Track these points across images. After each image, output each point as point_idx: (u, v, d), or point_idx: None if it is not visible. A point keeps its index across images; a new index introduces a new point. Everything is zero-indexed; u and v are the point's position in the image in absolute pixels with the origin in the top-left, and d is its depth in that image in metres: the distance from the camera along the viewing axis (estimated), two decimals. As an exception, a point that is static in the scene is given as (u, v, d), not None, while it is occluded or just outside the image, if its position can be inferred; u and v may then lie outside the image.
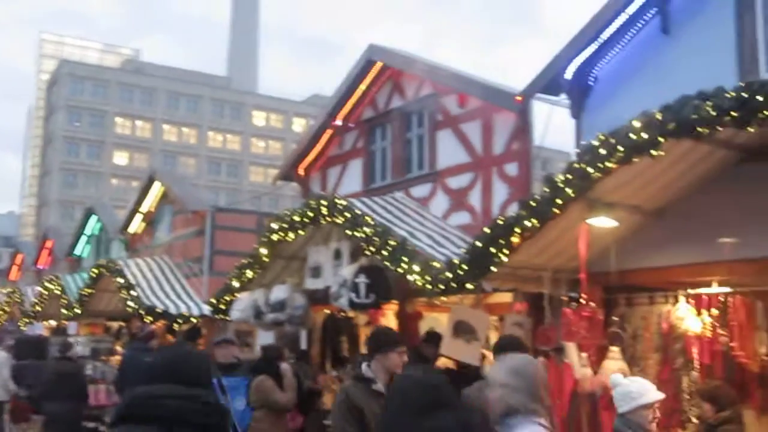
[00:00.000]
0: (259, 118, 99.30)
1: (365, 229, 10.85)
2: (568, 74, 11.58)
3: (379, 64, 15.70)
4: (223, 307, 13.99)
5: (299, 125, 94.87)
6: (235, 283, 13.48)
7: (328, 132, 17.00)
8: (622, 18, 11.06)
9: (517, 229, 8.37)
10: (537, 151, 12.78)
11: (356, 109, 16.43)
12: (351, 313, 13.00)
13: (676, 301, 8.94)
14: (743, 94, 6.70)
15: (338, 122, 16.65)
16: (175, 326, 16.97)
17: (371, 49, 15.82)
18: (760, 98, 6.56)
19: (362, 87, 16.09)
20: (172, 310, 17.32)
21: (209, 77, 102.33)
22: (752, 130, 6.85)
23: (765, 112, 6.59)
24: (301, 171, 17.78)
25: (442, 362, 10.30)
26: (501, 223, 8.57)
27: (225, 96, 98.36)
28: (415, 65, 14.95)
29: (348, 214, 11.20)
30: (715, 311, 8.71)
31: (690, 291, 8.85)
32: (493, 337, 10.76)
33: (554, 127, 12.55)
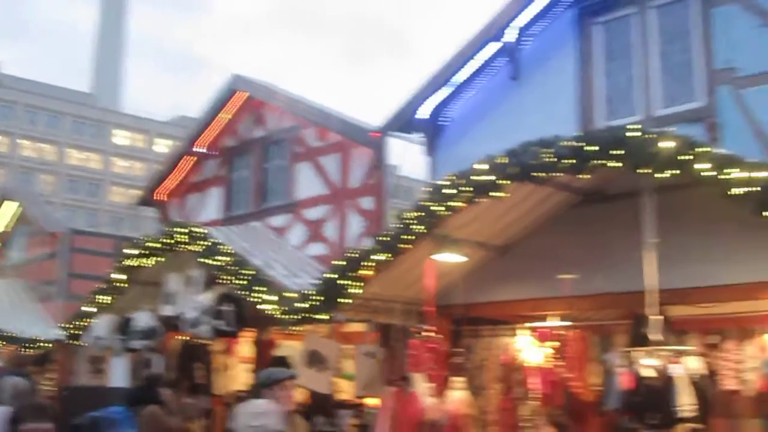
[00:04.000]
0: (121, 137, 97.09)
1: (221, 257, 10.95)
2: (423, 114, 12.04)
3: (241, 94, 15.84)
4: (77, 332, 13.74)
5: (163, 146, 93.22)
6: (90, 308, 13.29)
7: (190, 158, 16.99)
8: (474, 64, 11.62)
9: (369, 262, 8.68)
10: (398, 181, 13.18)
11: (218, 136, 16.49)
12: (207, 341, 13.00)
13: (518, 333, 9.42)
14: (578, 143, 7.24)
15: (199, 149, 16.66)
16: (25, 350, 16.49)
17: (235, 78, 15.94)
18: (591, 148, 7.11)
19: (224, 116, 16.17)
20: (24, 333, 16.83)
21: (71, 92, 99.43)
22: (585, 177, 7.40)
23: (596, 160, 7.13)
24: (161, 195, 17.66)
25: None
26: (353, 255, 8.87)
27: (86, 113, 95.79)
28: (276, 97, 15.16)
29: (205, 243, 11.28)
30: (553, 343, 9.22)
31: (531, 324, 9.35)
32: (347, 366, 11.04)
33: (411, 162, 13.00)
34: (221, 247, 11.13)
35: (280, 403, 6.49)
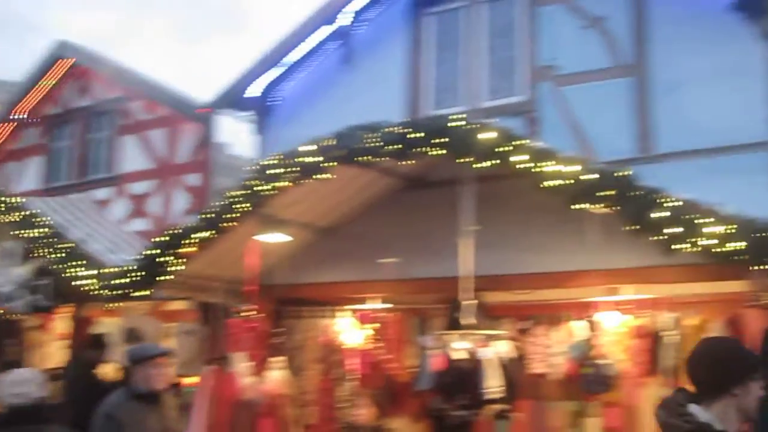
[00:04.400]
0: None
1: (38, 229, 10.55)
2: (254, 92, 11.97)
3: (67, 61, 15.24)
4: None
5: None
6: None
7: (8, 125, 16.21)
8: (306, 45, 11.64)
9: (191, 240, 8.56)
10: (226, 159, 13.04)
11: (40, 103, 15.81)
12: (21, 316, 12.52)
13: (339, 314, 9.54)
14: (404, 129, 7.38)
15: (19, 116, 15.93)
16: None
17: (60, 44, 15.32)
18: (416, 135, 7.27)
19: (47, 82, 15.53)
20: None
21: None
22: (409, 163, 7.56)
23: (421, 147, 7.30)
24: (-25, 163, 16.81)
25: (110, 368, 10.23)
26: (176, 232, 8.72)
27: None
28: (103, 66, 14.68)
29: (21, 213, 10.83)
30: (373, 325, 9.39)
31: (352, 306, 9.48)
32: (170, 344, 10.86)
33: (240, 141, 12.89)
34: (38, 218, 10.72)
35: (152, 382, 6.00)
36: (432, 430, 8.77)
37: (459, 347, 7.86)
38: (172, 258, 8.73)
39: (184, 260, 8.73)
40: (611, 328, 8.15)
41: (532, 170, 6.90)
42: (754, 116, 8.38)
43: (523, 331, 8.86)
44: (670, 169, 8.57)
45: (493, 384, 7.81)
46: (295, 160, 7.86)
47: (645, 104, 9.22)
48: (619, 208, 6.60)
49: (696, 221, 6.26)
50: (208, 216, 8.48)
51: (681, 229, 6.29)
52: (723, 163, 8.47)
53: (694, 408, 3.45)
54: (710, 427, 3.40)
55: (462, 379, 7.79)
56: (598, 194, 6.64)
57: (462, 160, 7.24)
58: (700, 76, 8.94)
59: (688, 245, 6.31)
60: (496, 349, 8.09)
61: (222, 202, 8.38)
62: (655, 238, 6.47)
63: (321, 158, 7.73)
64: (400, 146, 7.38)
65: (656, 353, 7.93)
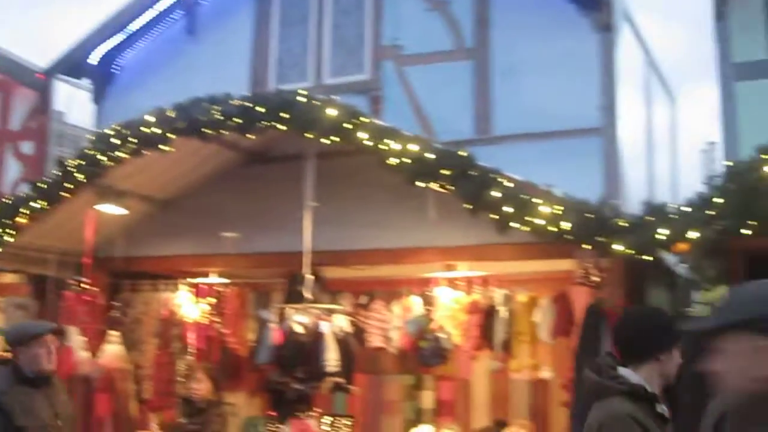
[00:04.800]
0: None
1: None
2: (93, 60, 11.60)
3: None
4: None
5: None
6: None
7: None
8: (149, 14, 11.36)
9: (23, 210, 8.27)
10: (64, 128, 12.61)
11: None
12: None
13: (178, 288, 9.43)
14: (247, 103, 7.35)
15: None
16: None
17: None
18: (260, 109, 7.25)
19: None
20: None
21: None
22: (252, 136, 7.54)
23: (264, 122, 7.29)
24: None
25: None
26: (7, 202, 8.40)
27: None
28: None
29: None
30: (212, 300, 9.34)
31: (191, 280, 9.39)
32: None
33: (79, 109, 12.47)
34: None
35: (41, 363, 5.54)
36: (270, 403, 8.82)
37: (298, 321, 7.92)
38: (2, 229, 8.40)
39: (16, 231, 8.42)
40: (447, 303, 8.39)
41: (374, 148, 7.01)
42: (588, 104, 8.75)
43: (361, 305, 9.00)
44: (506, 151, 8.86)
45: (332, 357, 7.92)
46: (135, 130, 7.70)
47: (484, 87, 9.49)
48: (456, 187, 6.79)
49: (529, 202, 6.52)
50: (42, 186, 8.20)
51: (514, 209, 6.54)
52: (557, 147, 8.82)
53: (624, 371, 3.69)
54: (642, 388, 3.62)
55: (301, 352, 7.86)
56: (437, 173, 6.81)
57: (306, 136, 7.27)
58: (538, 62, 9.26)
59: (521, 224, 6.57)
60: (335, 324, 8.21)
61: (57, 172, 8.13)
62: (491, 217, 6.70)
63: (161, 129, 7.61)
64: (242, 120, 7.34)
65: (488, 328, 8.22)
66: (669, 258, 7.86)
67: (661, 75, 11.72)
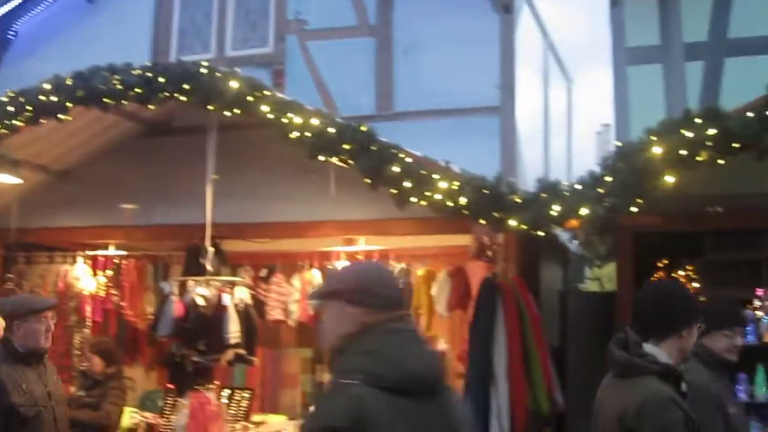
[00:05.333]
0: None
1: None
2: (-12, 24, 11.29)
3: None
4: None
5: None
6: None
7: None
8: (46, -21, 11.10)
9: None
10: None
11: None
12: None
13: (75, 261, 9.29)
14: (148, 73, 7.29)
15: None
16: None
17: None
18: (161, 80, 7.21)
19: None
20: None
21: None
22: (153, 107, 7.48)
23: (165, 92, 7.25)
24: None
25: None
26: None
27: None
28: None
29: None
30: (109, 272, 9.25)
31: (88, 252, 9.27)
32: None
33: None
34: None
35: (38, 340, 5.33)
36: (169, 376, 8.79)
37: (200, 293, 7.92)
38: None
39: None
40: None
41: (276, 121, 7.05)
42: (487, 82, 8.93)
43: (261, 279, 9.03)
44: (407, 127, 8.98)
45: (234, 329, 7.94)
46: (32, 98, 7.55)
47: (386, 64, 9.58)
48: (357, 161, 6.89)
49: (427, 177, 6.66)
50: None
51: (413, 184, 6.67)
52: (456, 125, 8.99)
53: (649, 348, 3.74)
54: (674, 368, 3.70)
55: (203, 324, 7.85)
56: (338, 148, 6.89)
57: (208, 108, 7.26)
58: (439, 40, 9.38)
59: (420, 199, 6.71)
60: (235, 296, 8.22)
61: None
62: (390, 191, 6.82)
63: (59, 98, 7.48)
64: (143, 90, 7.29)
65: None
66: (562, 234, 8.15)
67: (558, 57, 12.01)
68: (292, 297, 8.79)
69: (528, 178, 8.31)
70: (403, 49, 9.51)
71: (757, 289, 7.45)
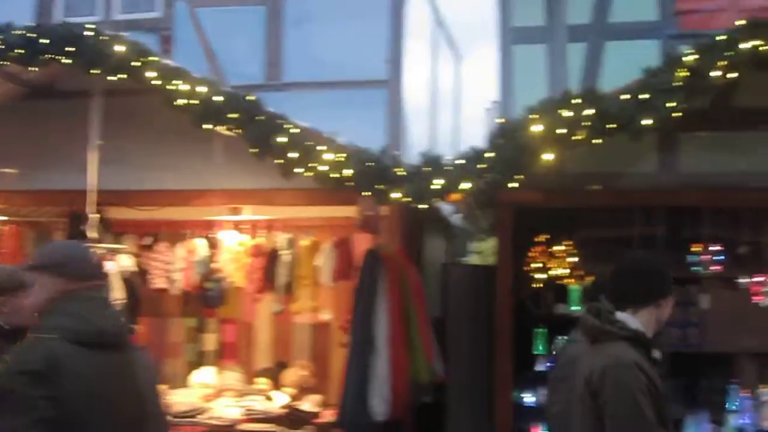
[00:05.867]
0: None
1: None
2: None
3: None
4: None
5: None
6: None
7: None
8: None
9: None
10: None
11: None
12: None
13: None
14: (30, 34, 7.11)
15: None
16: None
17: None
18: (44, 41, 7.03)
19: None
20: None
21: None
22: (35, 69, 7.30)
23: (48, 54, 7.08)
24: None
25: None
26: None
27: None
28: None
29: None
30: (-11, 238, 9.00)
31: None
32: None
33: None
34: None
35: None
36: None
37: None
38: None
39: None
40: (231, 246, 8.49)
41: (162, 88, 6.97)
42: (375, 56, 9.03)
43: (145, 247, 8.94)
44: (295, 98, 9.03)
45: (118, 297, 7.86)
46: None
47: (276, 34, 9.59)
48: (243, 131, 6.89)
49: (313, 148, 6.72)
50: None
51: (299, 155, 6.72)
52: (345, 97, 9.07)
53: (621, 315, 3.90)
54: (643, 334, 3.85)
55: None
56: (224, 116, 6.88)
57: (92, 72, 7.13)
58: (330, 12, 9.43)
59: (305, 170, 6.76)
60: (119, 264, 8.13)
61: None
62: (276, 162, 6.85)
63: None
64: (25, 51, 7.11)
65: (271, 271, 8.39)
66: (445, 208, 8.32)
67: (449, 34, 12.19)
68: (175, 265, 8.73)
69: (415, 152, 8.44)
70: (294, 19, 9.52)
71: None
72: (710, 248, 7.81)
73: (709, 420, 7.32)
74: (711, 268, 7.81)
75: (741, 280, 7.83)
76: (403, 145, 8.85)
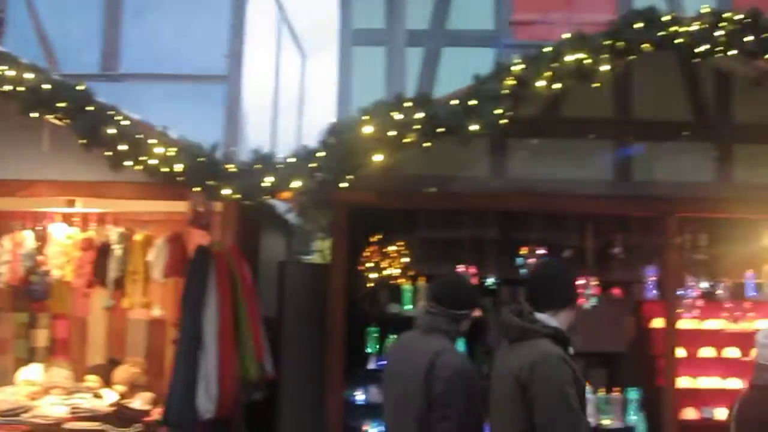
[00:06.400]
0: None
1: None
2: None
3: None
4: None
5: None
6: None
7: None
8: None
9: None
10: None
11: None
12: None
13: None
14: None
15: None
16: None
17: None
18: None
19: None
20: None
21: None
22: None
23: None
24: None
25: None
26: None
27: None
28: None
29: None
30: None
31: None
32: None
33: None
34: None
35: None
36: None
37: None
38: None
39: None
40: (60, 239, 8.24)
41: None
42: (216, 51, 8.94)
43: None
44: (132, 89, 8.85)
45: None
46: None
47: (114, 23, 9.36)
48: (73, 121, 6.70)
49: (143, 141, 6.60)
50: None
51: (129, 148, 6.58)
52: (183, 90, 8.95)
53: (541, 316, 4.22)
54: (562, 332, 4.20)
55: None
56: (52, 105, 6.68)
57: None
58: (171, 4, 9.28)
59: (135, 163, 6.63)
60: None
61: None
62: (105, 153, 6.70)
63: None
64: None
65: (102, 266, 8.18)
66: (282, 206, 8.33)
67: (294, 32, 12.18)
68: (2, 258, 8.40)
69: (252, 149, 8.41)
70: (134, 9, 9.32)
71: (461, 266, 8.02)
72: (536, 251, 8.10)
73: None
74: (536, 271, 8.08)
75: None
76: (241, 142, 8.80)
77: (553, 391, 3.98)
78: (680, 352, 7.99)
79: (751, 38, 6.38)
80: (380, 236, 8.43)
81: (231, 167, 6.47)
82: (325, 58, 13.54)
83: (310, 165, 6.28)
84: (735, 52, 6.49)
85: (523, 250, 8.16)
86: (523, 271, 8.09)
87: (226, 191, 6.45)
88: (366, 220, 7.97)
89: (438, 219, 8.33)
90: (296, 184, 6.29)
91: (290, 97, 11.94)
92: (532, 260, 8.05)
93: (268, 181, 6.34)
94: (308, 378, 7.78)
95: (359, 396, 7.93)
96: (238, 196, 6.43)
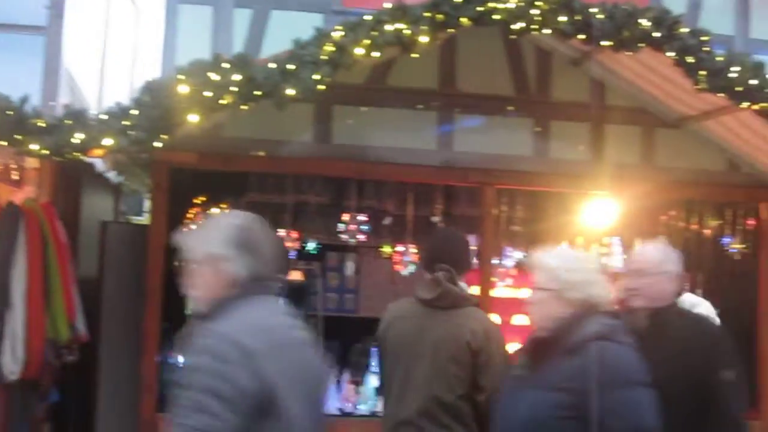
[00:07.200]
0: None
1: None
2: None
3: None
4: None
5: None
6: None
7: None
8: None
9: None
10: None
11: None
12: None
13: None
14: None
15: None
16: None
17: None
18: None
19: None
20: None
21: None
22: None
23: None
24: None
25: None
26: None
27: None
28: None
29: None
30: None
31: None
32: None
33: None
34: None
35: None
36: None
37: None
38: None
39: None
40: None
41: None
42: (35, 1, 8.58)
43: None
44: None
45: None
46: None
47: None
48: None
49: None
50: None
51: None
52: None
53: (462, 284, 4.38)
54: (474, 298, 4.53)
55: None
56: None
57: None
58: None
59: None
60: None
61: None
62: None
63: None
64: None
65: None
66: (102, 164, 8.13)
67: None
68: None
69: (77, 104, 8.17)
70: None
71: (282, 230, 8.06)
72: (358, 218, 8.20)
73: (349, 380, 7.72)
74: (357, 237, 8.21)
75: (385, 250, 8.32)
76: (63, 96, 8.49)
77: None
78: (495, 319, 8.26)
79: (564, 19, 6.56)
80: (205, 198, 8.33)
81: (40, 122, 6.23)
82: (159, 14, 13.23)
83: (123, 123, 6.12)
84: (549, 31, 6.67)
85: (345, 217, 8.25)
86: (344, 237, 8.19)
87: (33, 146, 6.21)
88: (193, 182, 7.87)
89: (264, 183, 8.31)
90: (108, 141, 6.12)
91: (124, 52, 11.58)
92: (353, 227, 8.15)
93: (78, 137, 6.13)
94: (129, 339, 7.65)
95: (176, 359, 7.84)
96: (47, 152, 6.21)
